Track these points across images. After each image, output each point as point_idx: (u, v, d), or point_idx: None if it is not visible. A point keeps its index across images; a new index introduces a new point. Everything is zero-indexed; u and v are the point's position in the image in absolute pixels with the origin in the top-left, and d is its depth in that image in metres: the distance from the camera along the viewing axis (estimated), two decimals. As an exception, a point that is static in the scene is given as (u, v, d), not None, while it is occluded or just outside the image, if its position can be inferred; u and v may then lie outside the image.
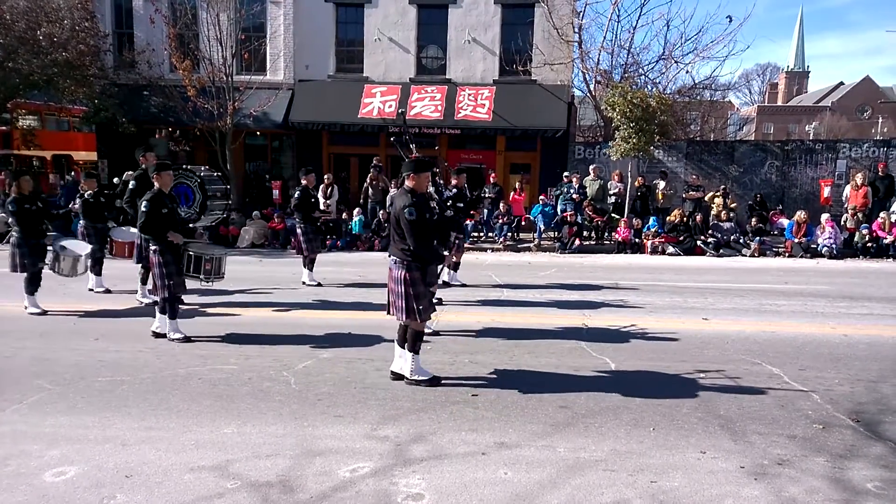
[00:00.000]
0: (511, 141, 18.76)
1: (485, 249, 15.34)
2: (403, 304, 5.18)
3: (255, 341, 6.66)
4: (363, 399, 4.99)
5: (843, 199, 15.55)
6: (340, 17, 19.02)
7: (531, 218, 16.33)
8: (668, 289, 9.76)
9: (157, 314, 6.78)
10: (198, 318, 7.76)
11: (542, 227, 15.73)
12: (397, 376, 5.43)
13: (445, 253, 5.36)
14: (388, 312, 5.49)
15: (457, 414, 4.70)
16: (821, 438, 4.29)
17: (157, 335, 6.73)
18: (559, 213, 15.72)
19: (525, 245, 15.61)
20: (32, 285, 7.96)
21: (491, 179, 17.09)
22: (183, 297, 7.07)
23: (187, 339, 6.61)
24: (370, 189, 16.47)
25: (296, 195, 9.97)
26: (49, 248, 8.22)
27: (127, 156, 18.72)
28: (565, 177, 16.30)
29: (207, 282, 7.06)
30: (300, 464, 3.90)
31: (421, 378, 5.32)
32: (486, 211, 16.33)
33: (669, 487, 3.62)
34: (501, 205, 16.00)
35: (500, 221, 15.82)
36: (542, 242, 15.56)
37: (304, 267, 10.15)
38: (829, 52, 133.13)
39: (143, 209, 6.45)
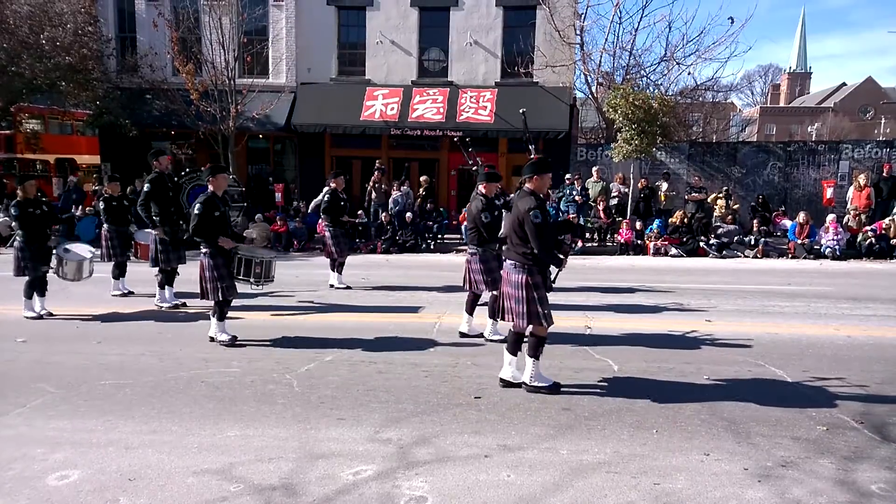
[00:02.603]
0: (513, 143, 18.75)
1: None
2: (525, 310, 4.99)
3: (258, 344, 6.66)
4: (366, 402, 4.99)
5: (846, 199, 15.52)
6: (342, 20, 19.07)
7: (533, 220, 16.29)
8: (671, 290, 9.75)
9: (213, 322, 6.71)
10: (199, 322, 7.77)
11: (545, 229, 15.69)
12: (507, 383, 5.27)
13: (560, 256, 5.15)
14: (500, 318, 5.32)
15: (459, 416, 4.69)
16: (825, 440, 4.27)
17: (226, 344, 6.65)
18: (562, 214, 15.70)
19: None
20: (31, 289, 7.94)
21: (493, 181, 17.08)
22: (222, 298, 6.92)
23: (234, 341, 6.58)
24: (373, 192, 16.49)
25: (325, 199, 9.82)
26: (53, 252, 8.21)
27: (130, 159, 18.88)
28: (567, 179, 16.29)
29: (258, 285, 6.92)
30: (303, 467, 3.90)
31: (541, 385, 5.15)
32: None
33: (673, 489, 3.61)
34: (503, 207, 15.98)
35: (503, 223, 15.80)
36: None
37: (332, 270, 10.03)
38: (832, 52, 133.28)
39: (195, 212, 6.40)
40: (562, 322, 7.66)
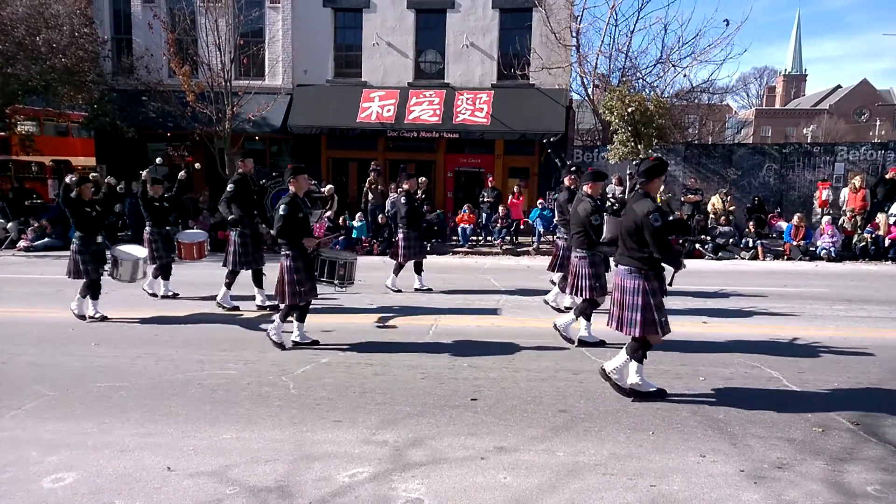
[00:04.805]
0: (509, 145, 18.80)
1: (484, 253, 15.35)
2: (640, 317, 4.81)
3: (254, 346, 6.65)
4: (362, 404, 4.99)
5: (840, 202, 15.58)
6: (339, 21, 19.07)
7: (529, 222, 16.35)
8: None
9: (276, 320, 6.62)
10: (196, 324, 7.75)
11: (541, 231, 15.74)
12: (605, 376, 5.14)
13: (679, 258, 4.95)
14: (615, 327, 5.09)
15: (456, 418, 4.69)
16: (820, 441, 4.29)
17: (275, 344, 6.59)
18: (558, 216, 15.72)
19: (524, 249, 15.62)
20: (94, 290, 7.83)
21: (489, 183, 17.12)
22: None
23: (315, 343, 6.57)
24: (369, 193, 16.49)
25: (403, 201, 9.69)
26: (109, 253, 8.10)
27: (125, 161, 18.84)
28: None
29: (341, 287, 6.83)
30: (299, 469, 3.89)
31: (647, 390, 5.01)
32: (484, 215, 16.36)
33: (669, 491, 3.62)
34: (500, 208, 16.03)
35: (499, 225, 15.84)
36: (540, 246, 15.57)
37: (395, 273, 9.85)
38: (827, 54, 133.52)
39: (280, 213, 6.28)
40: (558, 324, 7.69)
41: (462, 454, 4.09)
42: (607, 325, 5.20)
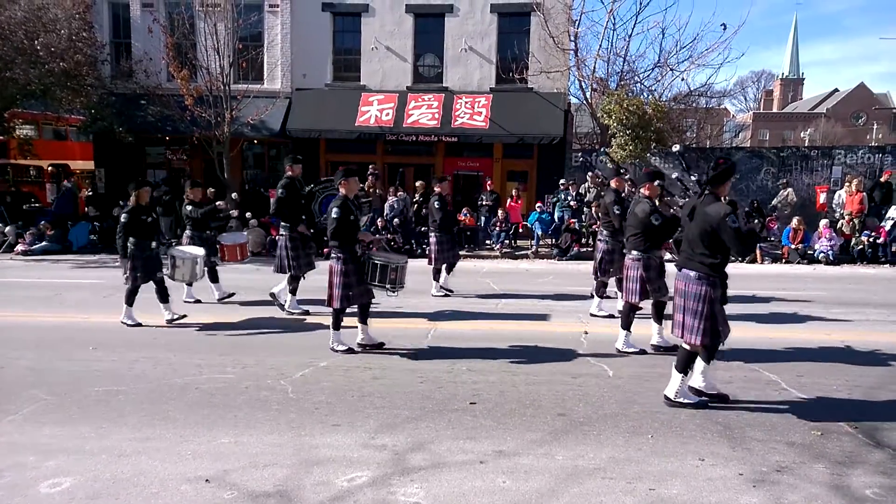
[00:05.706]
0: (508, 148, 18.82)
1: (482, 257, 15.34)
2: (702, 325, 4.73)
3: (253, 350, 6.64)
4: (361, 408, 4.98)
5: (836, 205, 15.57)
6: (337, 26, 19.11)
7: (528, 225, 16.36)
8: (666, 295, 9.76)
9: (331, 330, 6.60)
10: (194, 327, 7.73)
11: (540, 234, 15.75)
12: (698, 392, 5.00)
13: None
14: (677, 333, 4.99)
15: (455, 422, 4.69)
16: (819, 445, 4.28)
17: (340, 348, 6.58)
18: (557, 220, 15.74)
19: (522, 252, 15.62)
20: (163, 294, 7.79)
21: (488, 187, 17.12)
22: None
23: (350, 351, 6.47)
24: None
25: (436, 206, 9.64)
26: (169, 254, 8.07)
27: (124, 165, 18.84)
28: (562, 184, 16.33)
29: (393, 292, 6.75)
30: (298, 473, 3.88)
31: (687, 401, 4.92)
32: (483, 218, 16.36)
33: (668, 495, 3.61)
34: (499, 212, 16.03)
35: (498, 229, 15.84)
36: (539, 249, 15.57)
37: (434, 279, 9.87)
38: (824, 58, 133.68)
39: (333, 216, 6.20)
40: (557, 327, 7.71)
41: (461, 458, 4.08)
42: (671, 332, 5.12)
